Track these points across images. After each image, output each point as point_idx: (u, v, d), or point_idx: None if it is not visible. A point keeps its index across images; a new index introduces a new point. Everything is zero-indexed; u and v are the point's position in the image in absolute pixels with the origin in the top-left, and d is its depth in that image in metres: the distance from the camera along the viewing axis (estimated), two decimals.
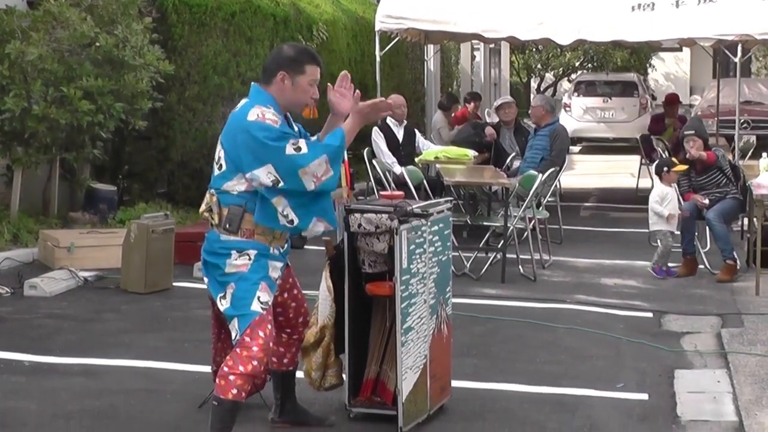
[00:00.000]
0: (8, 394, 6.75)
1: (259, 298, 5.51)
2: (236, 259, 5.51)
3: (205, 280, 5.69)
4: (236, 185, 5.51)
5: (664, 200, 10.79)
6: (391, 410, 6.06)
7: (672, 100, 18.09)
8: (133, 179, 13.86)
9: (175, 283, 9.92)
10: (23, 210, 11.93)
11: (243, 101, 5.65)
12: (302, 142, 5.43)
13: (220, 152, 5.57)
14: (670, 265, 10.93)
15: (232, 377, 5.40)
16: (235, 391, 5.40)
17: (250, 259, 5.53)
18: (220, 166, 5.55)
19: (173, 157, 13.63)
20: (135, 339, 8.16)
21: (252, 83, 5.75)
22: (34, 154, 11.55)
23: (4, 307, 9.07)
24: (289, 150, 5.37)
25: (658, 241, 10.89)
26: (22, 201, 11.93)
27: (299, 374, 6.24)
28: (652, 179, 13.14)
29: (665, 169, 11.08)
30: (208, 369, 6.55)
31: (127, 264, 9.80)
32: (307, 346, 6.16)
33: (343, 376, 6.24)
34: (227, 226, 5.51)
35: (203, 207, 5.65)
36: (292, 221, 5.49)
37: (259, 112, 5.45)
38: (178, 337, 8.23)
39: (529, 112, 14.13)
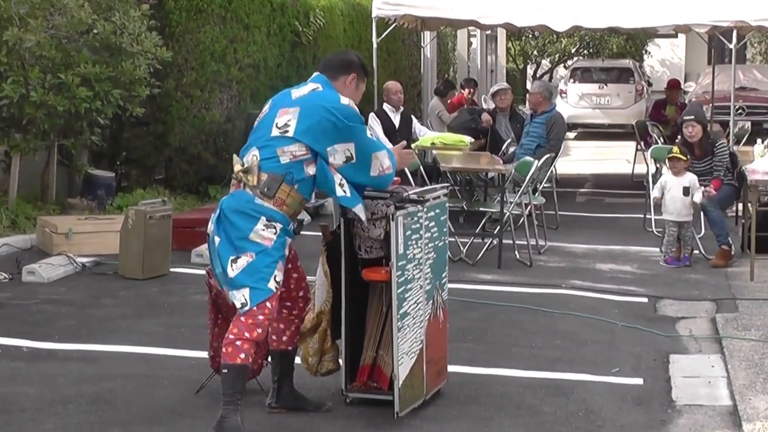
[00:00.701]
0: (7, 380, 6.74)
1: (275, 277, 5.65)
2: (263, 230, 5.65)
3: (216, 239, 5.74)
4: (295, 150, 5.68)
5: (664, 189, 10.79)
6: (387, 395, 6.06)
7: (673, 84, 17.99)
8: (131, 165, 13.84)
9: (172, 269, 9.91)
10: (21, 196, 11.92)
11: (314, 85, 5.92)
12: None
13: (290, 120, 5.73)
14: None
15: (239, 342, 5.58)
16: (243, 355, 5.58)
17: (275, 233, 5.67)
18: (285, 131, 5.71)
19: (171, 143, 13.61)
20: (133, 325, 8.16)
21: (318, 73, 6.03)
22: (32, 140, 11.51)
23: (2, 293, 9.06)
24: (369, 133, 5.88)
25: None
26: (20, 187, 11.91)
27: (296, 360, 6.24)
28: (648, 165, 13.14)
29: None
30: (205, 354, 6.56)
31: (124, 250, 9.79)
32: (304, 332, 6.18)
33: (340, 361, 6.25)
34: (265, 190, 5.68)
35: (238, 167, 5.77)
36: (346, 191, 5.75)
37: (350, 101, 5.84)
38: (176, 322, 8.22)
39: (527, 97, 14.07)
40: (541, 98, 13.09)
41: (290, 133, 5.71)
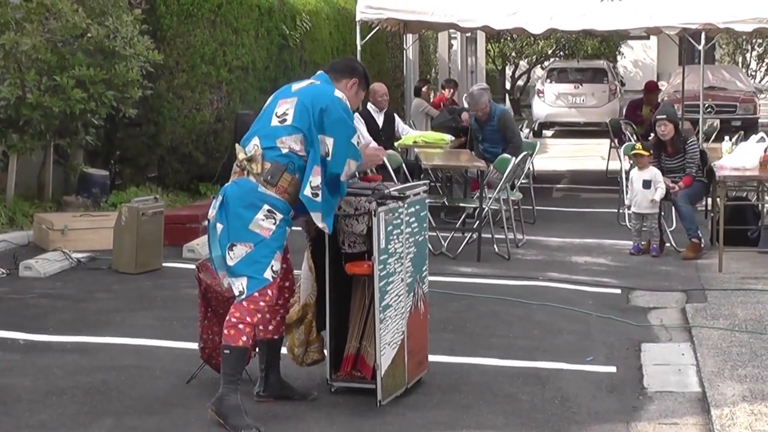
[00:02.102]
0: (4, 372, 6.71)
1: (272, 266, 5.69)
2: (263, 220, 5.68)
3: (219, 226, 5.74)
4: (292, 143, 5.73)
5: (631, 183, 10.91)
6: (370, 384, 6.06)
7: (651, 87, 17.82)
8: (125, 164, 13.78)
9: (164, 264, 9.87)
10: (19, 194, 11.86)
11: (314, 81, 5.98)
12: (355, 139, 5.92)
13: (288, 109, 5.80)
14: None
15: (241, 326, 5.64)
16: (244, 338, 5.65)
17: (275, 223, 5.69)
18: (284, 120, 5.77)
19: (163, 143, 13.56)
20: (126, 317, 8.12)
21: (321, 72, 6.10)
22: (28, 140, 11.47)
23: (0, 287, 9.02)
24: (354, 139, 5.87)
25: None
26: (17, 186, 11.86)
27: (283, 351, 6.23)
28: (621, 161, 13.16)
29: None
30: (195, 346, 6.54)
31: (118, 246, 9.75)
32: (290, 324, 6.17)
33: (325, 351, 6.23)
34: (269, 177, 5.72)
35: (243, 156, 5.79)
36: (317, 195, 5.71)
37: (342, 95, 5.90)
38: (167, 315, 8.19)
39: (477, 114, 13.77)
40: (488, 107, 12.49)
41: (288, 122, 5.77)
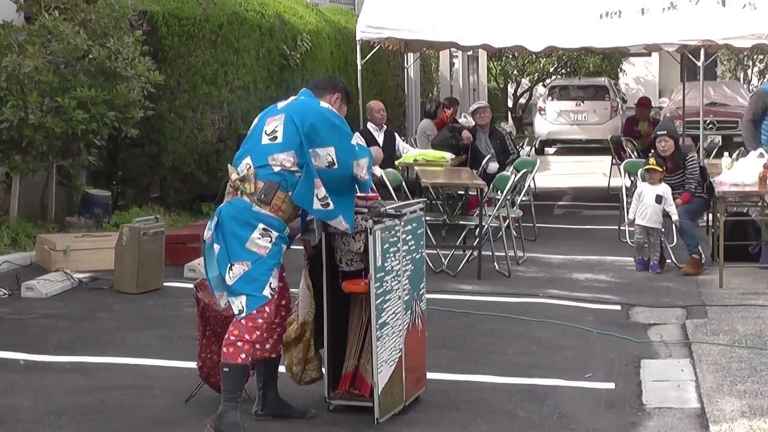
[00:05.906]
0: (3, 392, 6.71)
1: (270, 284, 5.74)
2: (259, 239, 5.72)
3: (216, 247, 5.76)
4: (284, 159, 5.76)
5: (639, 197, 10.88)
6: (368, 402, 6.05)
7: (644, 103, 17.92)
8: (127, 184, 13.78)
9: (165, 284, 9.86)
10: (22, 215, 11.87)
11: (299, 97, 6.05)
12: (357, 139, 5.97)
13: (277, 126, 5.83)
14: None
15: (240, 343, 5.68)
16: (243, 355, 5.69)
17: (271, 241, 5.73)
18: (275, 138, 5.78)
19: (165, 163, 13.57)
20: (127, 337, 8.12)
21: (304, 89, 6.18)
22: (31, 161, 11.49)
23: (2, 308, 9.01)
24: (354, 140, 5.90)
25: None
26: (20, 207, 11.87)
27: (281, 369, 6.22)
28: (623, 178, 13.14)
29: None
30: (195, 365, 6.52)
31: (119, 266, 9.75)
32: (288, 342, 6.17)
33: (323, 370, 6.22)
34: (262, 196, 5.75)
35: (235, 176, 5.82)
36: (327, 204, 5.76)
37: (328, 105, 5.99)
38: (168, 334, 8.19)
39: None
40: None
41: (279, 139, 5.79)
